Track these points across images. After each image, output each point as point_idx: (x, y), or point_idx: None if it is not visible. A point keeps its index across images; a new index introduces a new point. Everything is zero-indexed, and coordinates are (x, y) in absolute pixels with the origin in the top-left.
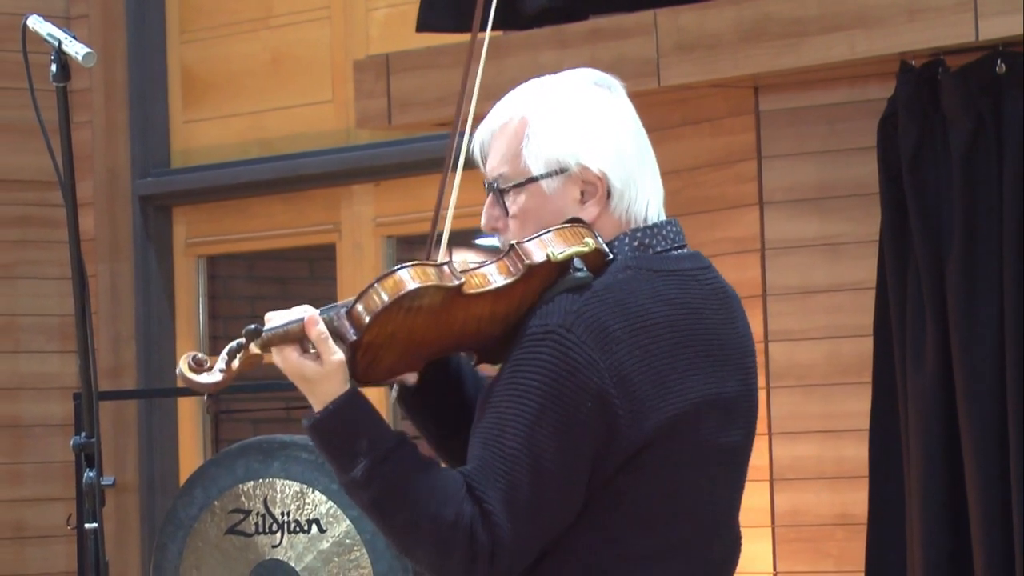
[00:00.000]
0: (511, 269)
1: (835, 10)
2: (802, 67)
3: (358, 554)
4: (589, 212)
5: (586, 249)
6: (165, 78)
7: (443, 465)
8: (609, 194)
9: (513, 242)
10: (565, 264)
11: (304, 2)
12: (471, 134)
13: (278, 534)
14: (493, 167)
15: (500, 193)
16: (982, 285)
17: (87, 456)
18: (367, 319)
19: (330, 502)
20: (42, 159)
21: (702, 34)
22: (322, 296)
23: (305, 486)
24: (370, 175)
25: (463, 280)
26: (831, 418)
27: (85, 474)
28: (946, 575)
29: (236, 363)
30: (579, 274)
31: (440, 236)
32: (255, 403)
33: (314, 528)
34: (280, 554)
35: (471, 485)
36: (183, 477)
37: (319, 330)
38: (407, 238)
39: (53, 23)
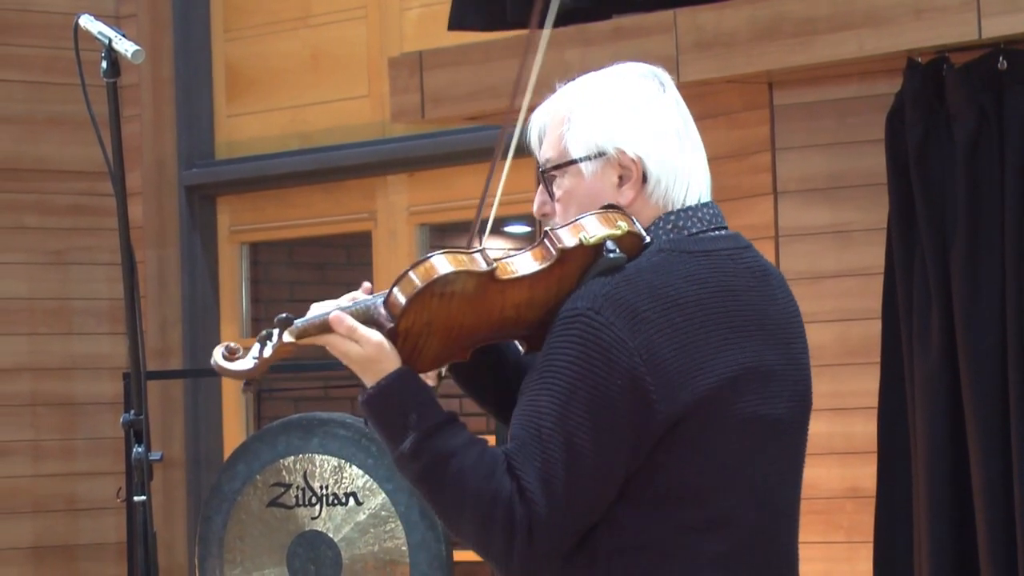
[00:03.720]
0: (545, 255)
1: (845, 10)
2: (814, 64)
3: (393, 526)
4: (626, 196)
5: (619, 232)
6: (210, 74)
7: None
8: (646, 179)
9: (547, 228)
10: (599, 247)
11: (342, 2)
12: (523, 125)
13: (317, 506)
14: (544, 151)
15: (546, 177)
16: (984, 271)
17: (136, 432)
18: (402, 305)
19: (366, 476)
20: (93, 151)
21: (719, 32)
22: (359, 281)
23: (343, 461)
24: (404, 166)
25: (496, 266)
26: (841, 396)
27: (134, 449)
28: (951, 546)
29: (268, 351)
30: (612, 256)
31: (485, 223)
32: (296, 383)
33: (351, 501)
34: (319, 525)
35: (511, 462)
36: (227, 452)
37: (347, 324)
38: (440, 226)
39: (104, 22)
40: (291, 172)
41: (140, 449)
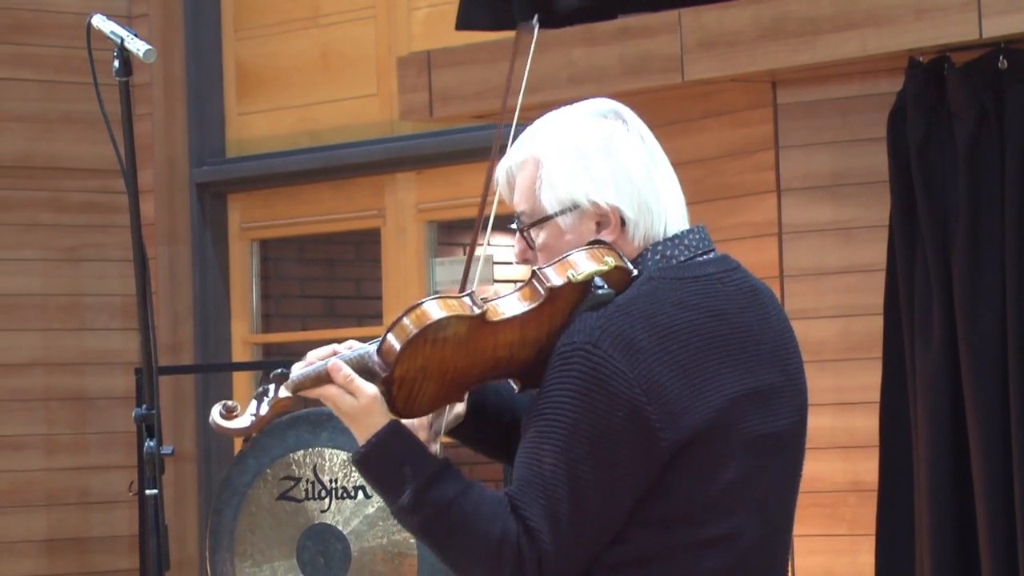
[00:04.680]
0: (534, 294)
1: (848, 9)
2: (817, 63)
3: None
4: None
5: (606, 268)
6: (220, 73)
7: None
8: (623, 222)
9: (535, 268)
10: (587, 284)
11: (351, 2)
12: (516, 125)
13: (327, 500)
14: (516, 203)
15: (523, 231)
16: (985, 267)
17: (148, 427)
18: (396, 352)
19: None
20: (106, 149)
21: (723, 32)
22: (368, 276)
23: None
24: (412, 164)
25: (484, 308)
26: (844, 391)
27: (146, 443)
28: (952, 538)
29: (265, 408)
30: (600, 291)
31: (487, 220)
32: None
33: (360, 494)
34: (328, 518)
35: (514, 503)
36: (237, 447)
37: (344, 375)
38: (447, 223)
39: (116, 22)
40: (301, 170)
41: (152, 443)
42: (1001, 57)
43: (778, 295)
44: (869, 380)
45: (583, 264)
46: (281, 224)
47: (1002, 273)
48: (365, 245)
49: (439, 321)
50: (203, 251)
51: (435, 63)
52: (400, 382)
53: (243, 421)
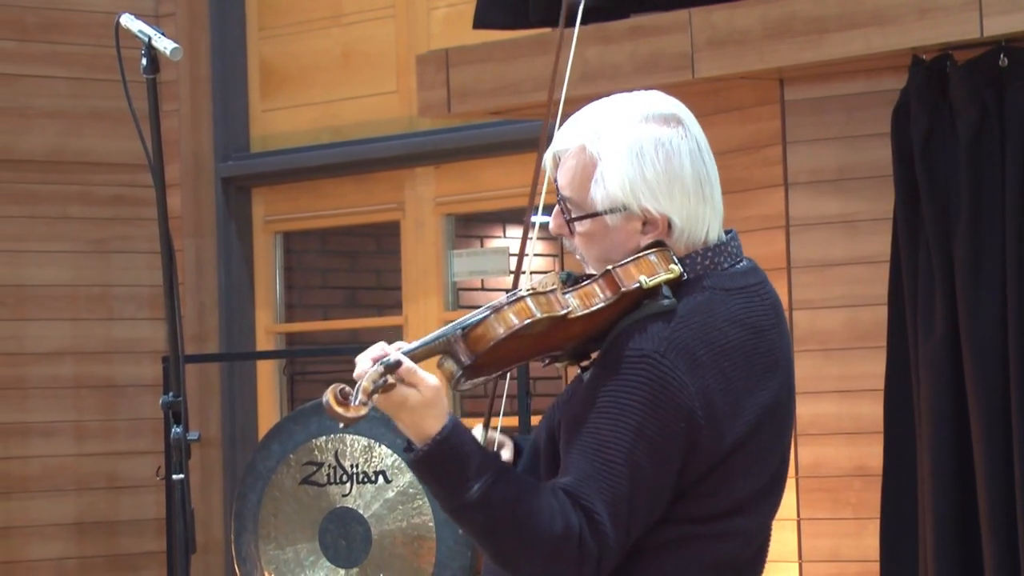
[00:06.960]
0: (606, 293)
1: (853, 9)
2: (823, 61)
3: (420, 502)
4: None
5: (672, 276)
6: (245, 71)
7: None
8: (670, 228)
9: (609, 268)
10: (653, 290)
11: (371, 1)
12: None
13: (348, 484)
14: (562, 185)
15: (567, 216)
16: (986, 259)
17: (174, 413)
18: (486, 346)
19: (395, 455)
20: (134, 144)
21: (732, 31)
22: (388, 268)
23: (373, 440)
24: (431, 159)
25: (571, 308)
26: (849, 379)
27: (173, 430)
28: (954, 521)
29: (378, 396)
30: (666, 301)
31: (536, 210)
32: (328, 364)
33: (380, 479)
34: (350, 502)
35: (576, 496)
36: (262, 433)
37: (407, 368)
38: (464, 216)
39: (144, 21)
40: (323, 164)
41: (178, 429)
42: (1002, 55)
43: (786, 286)
44: (874, 368)
45: (652, 270)
46: (304, 217)
47: (1002, 264)
48: (385, 237)
49: (532, 323)
50: (228, 243)
51: (453, 61)
52: (475, 369)
53: (359, 411)
